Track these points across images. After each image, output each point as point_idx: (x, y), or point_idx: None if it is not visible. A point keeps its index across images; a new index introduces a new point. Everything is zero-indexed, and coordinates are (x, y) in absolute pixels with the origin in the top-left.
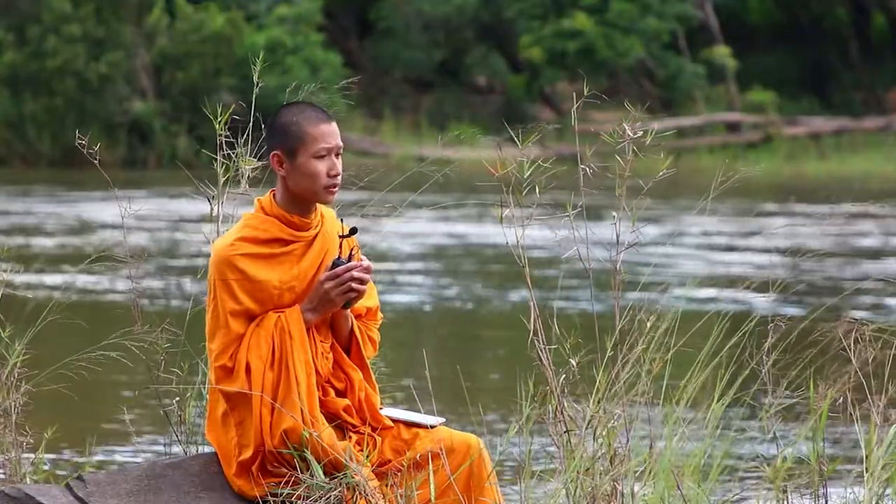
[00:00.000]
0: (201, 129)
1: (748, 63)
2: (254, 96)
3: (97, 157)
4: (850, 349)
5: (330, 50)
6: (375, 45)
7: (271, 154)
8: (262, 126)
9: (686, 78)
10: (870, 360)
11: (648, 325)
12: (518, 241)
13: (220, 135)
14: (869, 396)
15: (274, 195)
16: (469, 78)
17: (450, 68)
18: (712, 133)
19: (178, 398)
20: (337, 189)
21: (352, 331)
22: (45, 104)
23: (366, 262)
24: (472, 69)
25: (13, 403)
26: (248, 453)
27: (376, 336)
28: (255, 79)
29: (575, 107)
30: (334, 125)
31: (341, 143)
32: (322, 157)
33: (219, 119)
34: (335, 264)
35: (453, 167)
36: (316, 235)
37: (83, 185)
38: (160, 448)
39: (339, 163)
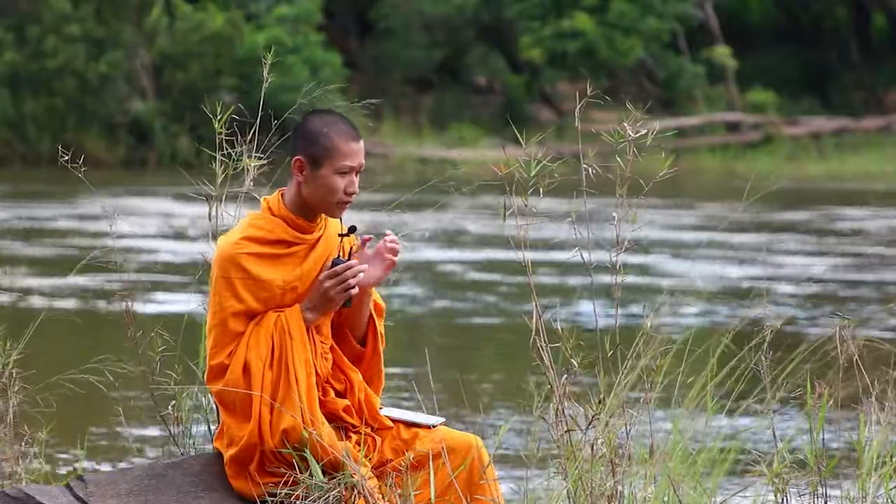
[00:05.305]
0: (201, 129)
1: (748, 63)
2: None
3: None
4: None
5: (330, 50)
6: (375, 45)
7: (294, 158)
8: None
9: (686, 78)
10: (855, 363)
11: (648, 326)
12: (522, 242)
13: (220, 133)
14: (861, 397)
15: (282, 196)
16: (469, 78)
17: (450, 68)
18: (712, 133)
19: (174, 402)
20: (348, 206)
21: (370, 323)
22: (45, 104)
23: (363, 265)
24: (472, 69)
25: (9, 403)
26: (233, 450)
27: (382, 330)
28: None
29: (578, 107)
30: (362, 143)
31: (364, 162)
32: (344, 173)
33: (219, 118)
34: (334, 263)
35: (458, 168)
36: (319, 238)
37: (81, 185)
38: (157, 451)
39: (356, 181)
